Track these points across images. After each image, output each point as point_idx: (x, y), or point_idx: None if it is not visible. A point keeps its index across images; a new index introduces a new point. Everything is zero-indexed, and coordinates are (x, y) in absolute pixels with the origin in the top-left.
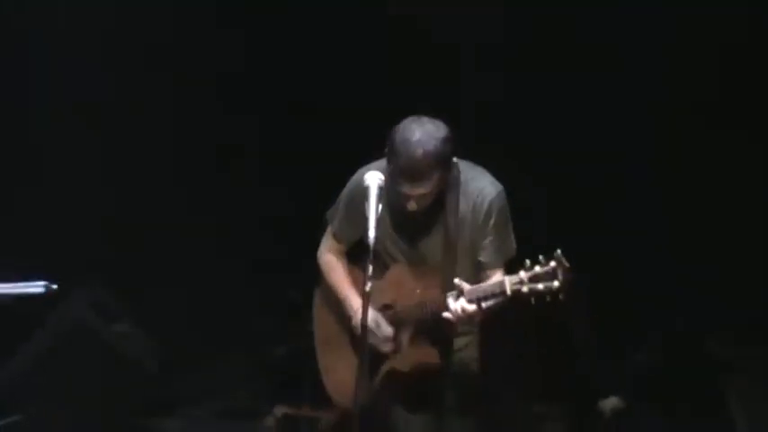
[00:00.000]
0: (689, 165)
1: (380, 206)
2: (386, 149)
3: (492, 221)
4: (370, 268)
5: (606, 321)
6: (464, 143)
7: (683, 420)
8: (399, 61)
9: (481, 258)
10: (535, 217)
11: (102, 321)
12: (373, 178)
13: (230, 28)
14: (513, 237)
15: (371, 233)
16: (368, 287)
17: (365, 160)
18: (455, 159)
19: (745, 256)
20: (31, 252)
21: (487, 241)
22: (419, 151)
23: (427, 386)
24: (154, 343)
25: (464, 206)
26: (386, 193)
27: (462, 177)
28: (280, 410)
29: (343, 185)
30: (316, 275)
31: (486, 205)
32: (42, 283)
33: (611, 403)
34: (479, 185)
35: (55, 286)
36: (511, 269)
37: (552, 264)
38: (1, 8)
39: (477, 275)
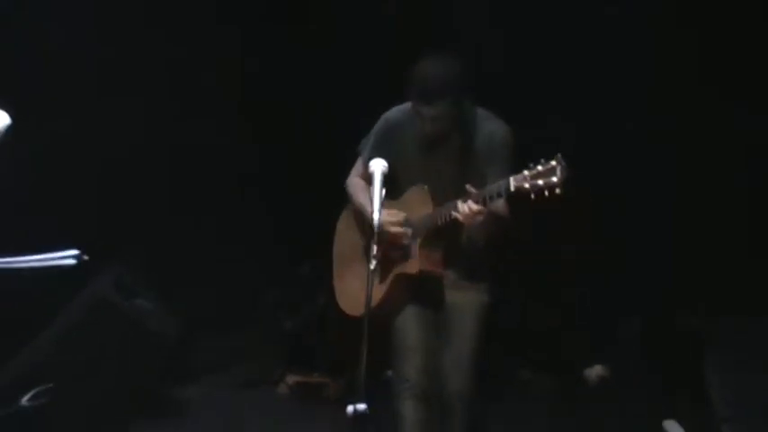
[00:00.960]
0: (667, 150)
1: (383, 191)
2: (410, 77)
3: (500, 153)
4: (375, 248)
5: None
6: None
7: (662, 388)
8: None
9: (488, 183)
10: None
11: (125, 297)
12: (378, 165)
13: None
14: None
15: (376, 216)
16: (372, 265)
17: None
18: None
19: (717, 236)
20: (59, 233)
21: (495, 169)
22: (431, 74)
23: (431, 290)
24: (174, 317)
25: (478, 139)
26: (412, 121)
27: (478, 117)
28: (292, 378)
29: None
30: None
31: (497, 139)
32: (74, 253)
33: (595, 371)
34: (493, 124)
35: (86, 257)
36: None
37: (552, 162)
38: None
39: None
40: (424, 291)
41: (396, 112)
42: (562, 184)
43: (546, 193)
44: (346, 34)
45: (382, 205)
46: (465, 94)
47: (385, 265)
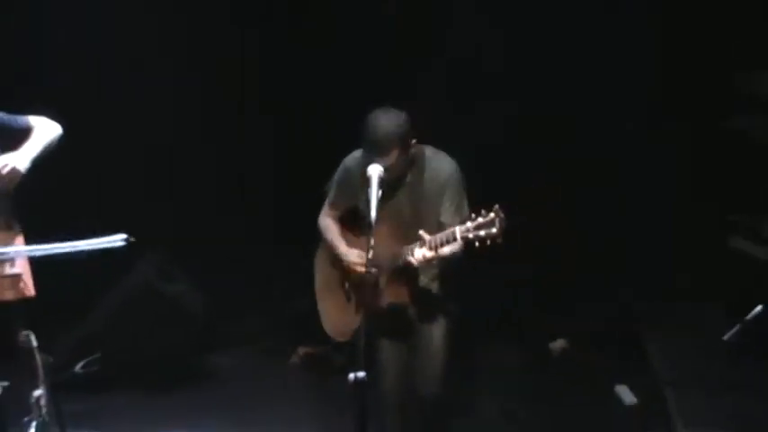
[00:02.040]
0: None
1: (381, 192)
2: (361, 132)
3: (449, 190)
4: (372, 240)
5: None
6: None
7: (614, 362)
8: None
9: (441, 219)
10: None
11: (163, 281)
12: (375, 170)
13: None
14: (466, 202)
15: (373, 214)
16: (370, 254)
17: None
18: (419, 143)
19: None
20: (102, 225)
21: (446, 206)
22: (381, 132)
23: (399, 318)
24: (205, 298)
25: (428, 178)
26: (364, 166)
27: (426, 156)
28: (302, 350)
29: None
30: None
31: (444, 177)
32: (122, 236)
33: (559, 344)
34: (439, 162)
35: (133, 239)
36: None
37: (491, 215)
38: None
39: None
40: (393, 319)
41: (352, 159)
42: (501, 234)
43: (488, 242)
44: (346, 34)
45: (371, 244)
46: (411, 141)
47: (357, 301)
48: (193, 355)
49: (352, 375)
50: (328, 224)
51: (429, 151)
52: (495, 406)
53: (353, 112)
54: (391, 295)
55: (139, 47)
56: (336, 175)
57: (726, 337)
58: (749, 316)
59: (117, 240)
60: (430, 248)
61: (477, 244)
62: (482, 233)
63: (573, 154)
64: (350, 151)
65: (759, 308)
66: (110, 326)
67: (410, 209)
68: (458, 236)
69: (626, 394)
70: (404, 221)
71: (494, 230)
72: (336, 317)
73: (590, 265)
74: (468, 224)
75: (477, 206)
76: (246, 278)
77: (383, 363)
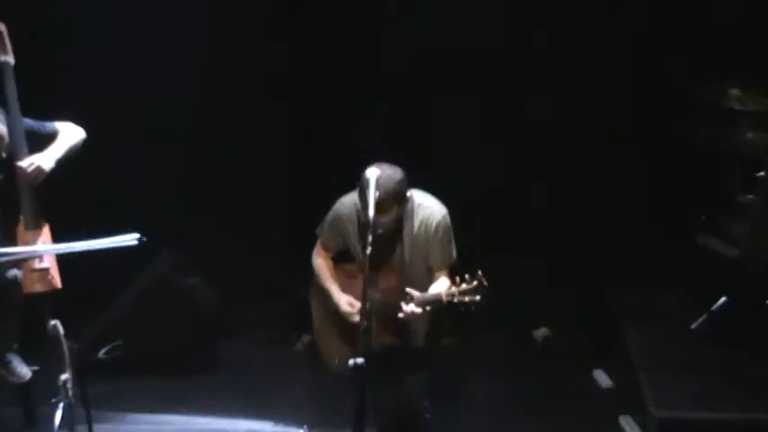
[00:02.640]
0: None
1: (378, 193)
2: (357, 187)
3: (438, 237)
4: (370, 237)
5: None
6: None
7: (591, 348)
8: None
9: (431, 264)
10: None
11: (178, 276)
12: (372, 173)
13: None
14: (454, 246)
15: (371, 213)
16: (368, 251)
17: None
18: (409, 193)
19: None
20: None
21: (435, 251)
22: (380, 193)
23: (391, 359)
24: (217, 290)
25: (417, 226)
26: (358, 219)
27: (416, 203)
28: (306, 338)
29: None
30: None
31: (434, 225)
32: (135, 235)
33: (541, 332)
34: (429, 210)
35: (145, 239)
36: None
37: (475, 283)
38: None
39: (427, 276)
40: (383, 355)
41: (345, 208)
42: (483, 299)
43: (472, 307)
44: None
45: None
46: (408, 196)
47: (351, 336)
48: (205, 343)
49: (351, 361)
50: (321, 265)
51: (418, 197)
52: (483, 389)
53: (361, 115)
54: (381, 339)
55: (159, 47)
56: (329, 220)
57: (693, 326)
58: (714, 307)
59: (130, 239)
60: (417, 305)
61: (462, 308)
62: (466, 299)
63: (556, 156)
64: (354, 153)
65: (723, 299)
66: (130, 316)
67: (401, 254)
68: (443, 299)
69: (603, 378)
70: (395, 266)
71: (477, 297)
72: (332, 351)
73: (572, 259)
74: (454, 289)
75: (460, 272)
76: (255, 272)
77: (378, 406)
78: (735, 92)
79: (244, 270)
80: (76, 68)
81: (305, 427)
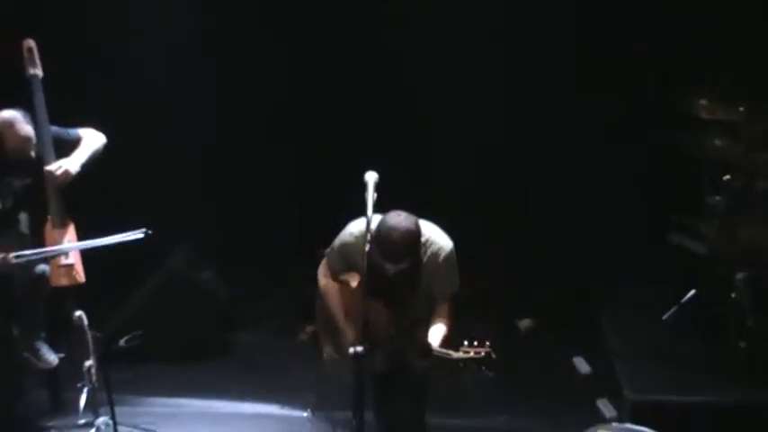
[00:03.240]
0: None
1: (376, 195)
2: (373, 234)
3: (445, 270)
4: (369, 236)
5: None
6: None
7: (572, 337)
8: None
9: (435, 293)
10: None
11: (193, 270)
12: (372, 177)
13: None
14: (458, 278)
15: (370, 213)
16: (367, 248)
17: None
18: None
19: (617, 230)
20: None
21: (440, 283)
22: (397, 244)
23: (390, 380)
24: (228, 284)
25: (425, 260)
26: (368, 259)
27: (423, 238)
28: (310, 329)
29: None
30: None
31: (440, 259)
32: (142, 230)
33: (525, 323)
34: (436, 246)
35: (151, 232)
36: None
37: (483, 354)
38: None
39: (429, 303)
40: (385, 377)
41: (353, 238)
42: (488, 369)
43: (475, 365)
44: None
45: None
46: (421, 243)
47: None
48: (218, 332)
49: (351, 349)
50: (329, 287)
51: (425, 231)
52: (471, 375)
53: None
54: (384, 363)
55: (170, 50)
56: (336, 247)
57: (665, 317)
58: (684, 299)
59: (137, 233)
60: (425, 356)
61: (464, 365)
62: (473, 360)
63: (545, 160)
64: (356, 153)
65: (692, 292)
66: (148, 307)
67: (406, 290)
68: (454, 357)
69: (582, 365)
70: (402, 303)
71: (482, 363)
72: (333, 357)
73: (555, 255)
74: (462, 354)
75: (472, 340)
76: (263, 268)
77: (377, 401)
78: (703, 102)
79: (253, 266)
80: (95, 75)
81: (308, 409)
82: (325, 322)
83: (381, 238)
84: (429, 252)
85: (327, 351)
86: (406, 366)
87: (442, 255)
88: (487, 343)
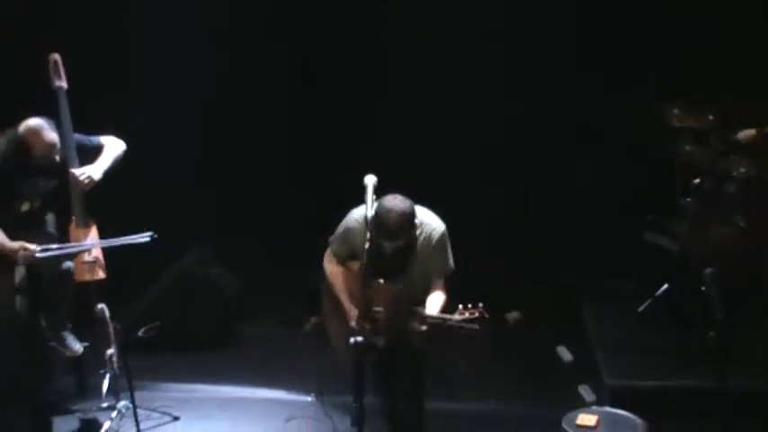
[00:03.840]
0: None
1: (374, 197)
2: (373, 216)
3: (438, 250)
4: (369, 235)
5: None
6: None
7: (556, 328)
8: None
9: (430, 273)
10: None
11: (204, 268)
12: (370, 180)
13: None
14: (451, 258)
15: (369, 213)
16: (367, 246)
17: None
18: (417, 220)
19: (597, 229)
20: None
21: (434, 263)
22: (394, 223)
23: (392, 353)
24: (237, 279)
25: (421, 243)
26: (370, 239)
27: (418, 221)
28: (313, 320)
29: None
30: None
31: (434, 240)
32: (148, 233)
33: (513, 315)
34: (430, 227)
35: (156, 236)
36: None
37: (477, 315)
38: None
39: (425, 283)
40: (386, 352)
41: (354, 222)
42: (481, 329)
43: (468, 331)
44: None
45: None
46: (415, 224)
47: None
48: (227, 324)
49: (352, 339)
50: (334, 272)
51: (420, 214)
52: (464, 363)
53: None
54: (383, 341)
55: (179, 55)
56: (339, 232)
57: (641, 309)
58: (658, 292)
59: (143, 237)
60: (422, 323)
61: (460, 330)
62: (465, 325)
63: (535, 162)
64: (361, 157)
65: (665, 286)
66: (164, 301)
67: (402, 266)
68: (446, 323)
69: (565, 353)
70: (398, 278)
71: (476, 326)
72: (339, 337)
73: (541, 252)
74: (457, 316)
75: (464, 301)
76: (269, 263)
77: (378, 383)
78: (675, 111)
79: (260, 262)
80: (107, 81)
81: (312, 394)
82: (330, 308)
83: (379, 218)
84: (423, 234)
85: (333, 336)
86: (406, 341)
87: (436, 236)
88: (480, 305)
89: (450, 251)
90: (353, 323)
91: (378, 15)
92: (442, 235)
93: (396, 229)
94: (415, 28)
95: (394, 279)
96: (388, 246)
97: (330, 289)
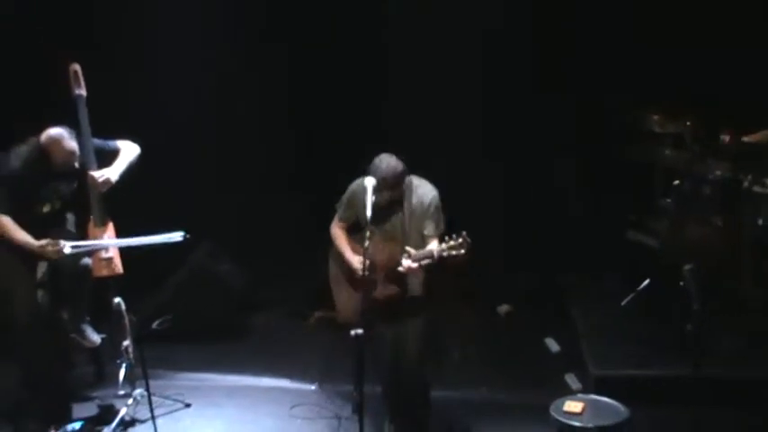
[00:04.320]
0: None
1: (374, 197)
2: (370, 167)
3: (431, 211)
4: (369, 245)
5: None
6: None
7: (544, 320)
8: None
9: (425, 232)
10: None
11: (214, 263)
12: (370, 182)
13: None
14: (443, 219)
15: (369, 213)
16: (366, 244)
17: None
18: (407, 179)
19: (585, 228)
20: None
21: (428, 223)
22: (389, 174)
23: (391, 305)
24: (245, 274)
25: (415, 203)
26: (371, 195)
27: (414, 185)
28: (317, 314)
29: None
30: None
31: (427, 202)
32: (180, 233)
33: (504, 308)
34: (423, 190)
35: (188, 236)
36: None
37: (460, 240)
38: None
39: (422, 243)
40: (390, 310)
41: (357, 186)
42: (467, 255)
43: (457, 260)
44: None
45: (366, 253)
46: (406, 177)
47: (359, 286)
48: (236, 317)
49: (353, 332)
50: (338, 233)
51: (415, 180)
52: (460, 352)
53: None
54: (384, 291)
55: (194, 59)
56: (345, 198)
57: (623, 303)
58: (640, 287)
59: (176, 236)
60: (414, 261)
61: (449, 261)
62: (453, 252)
63: (527, 167)
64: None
65: (647, 281)
66: (177, 295)
67: (401, 225)
68: (435, 254)
69: (552, 344)
70: (396, 235)
71: (462, 251)
72: (344, 303)
73: (531, 249)
74: (443, 245)
75: (449, 232)
76: (276, 260)
77: (379, 341)
78: (656, 117)
79: (267, 258)
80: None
81: (315, 383)
82: (336, 272)
83: (375, 167)
84: (417, 193)
85: (340, 301)
86: (406, 295)
87: (429, 197)
88: (463, 232)
89: (441, 214)
90: (356, 265)
91: (378, 15)
92: (435, 197)
93: (389, 178)
94: (415, 28)
95: (392, 234)
96: (385, 195)
97: (336, 253)
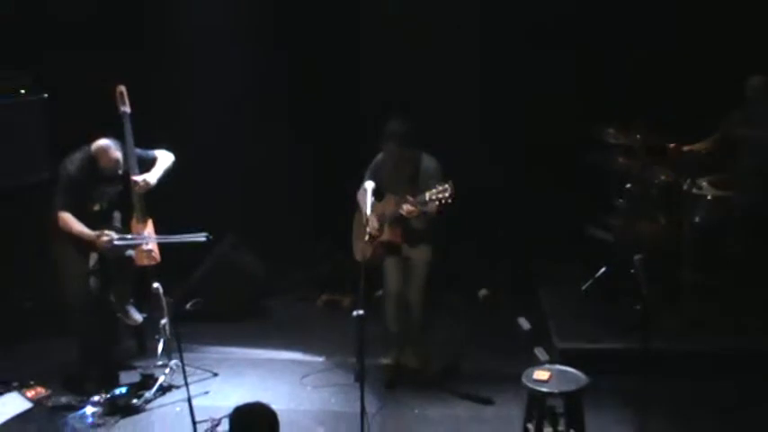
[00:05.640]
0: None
1: (374, 200)
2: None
3: (434, 178)
4: (368, 236)
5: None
6: None
7: (517, 302)
8: None
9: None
10: None
11: (237, 255)
12: (369, 184)
13: None
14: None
15: (368, 210)
16: (367, 239)
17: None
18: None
19: (553, 217)
20: (190, 217)
21: (432, 182)
22: (396, 133)
23: (396, 250)
24: (264, 264)
25: (422, 171)
26: (386, 161)
27: (422, 158)
28: (325, 297)
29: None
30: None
31: (431, 171)
32: (204, 234)
33: (483, 292)
34: (429, 162)
35: (211, 237)
36: None
37: (446, 185)
38: None
39: None
40: (393, 250)
41: (379, 157)
42: (452, 197)
43: (444, 201)
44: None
45: (373, 207)
46: (416, 143)
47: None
48: (256, 300)
49: (355, 313)
50: (365, 188)
51: (424, 156)
52: (443, 332)
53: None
54: (390, 234)
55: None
56: (371, 165)
57: (584, 287)
58: (598, 274)
59: (200, 236)
60: (412, 205)
61: (439, 204)
62: (441, 196)
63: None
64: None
65: (603, 269)
66: (206, 281)
67: (410, 188)
68: (426, 198)
69: (524, 323)
70: (404, 193)
71: (447, 194)
72: (359, 245)
73: (506, 240)
74: (433, 190)
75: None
76: (290, 251)
77: (387, 274)
78: (611, 130)
79: (282, 249)
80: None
81: (323, 356)
82: (356, 226)
83: (389, 125)
84: (425, 163)
85: (357, 244)
86: (410, 228)
87: (433, 166)
88: (450, 181)
89: (441, 178)
90: (368, 218)
91: (378, 15)
92: (437, 168)
93: (396, 129)
94: (416, 28)
95: (401, 191)
96: (395, 155)
97: (358, 209)
